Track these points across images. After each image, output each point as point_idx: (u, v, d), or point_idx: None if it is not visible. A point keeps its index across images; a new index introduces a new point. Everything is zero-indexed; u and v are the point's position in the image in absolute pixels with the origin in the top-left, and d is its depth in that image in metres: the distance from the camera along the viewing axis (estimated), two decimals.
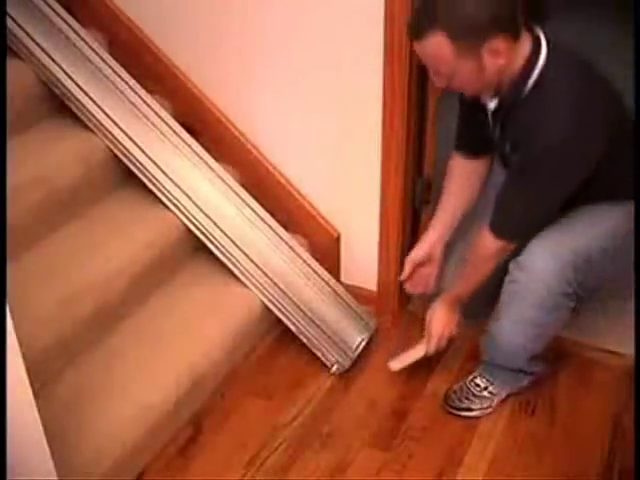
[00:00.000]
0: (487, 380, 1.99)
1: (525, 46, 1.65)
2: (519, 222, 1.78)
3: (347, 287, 2.29)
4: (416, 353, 2.04)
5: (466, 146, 1.98)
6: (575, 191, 1.71)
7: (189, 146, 2.21)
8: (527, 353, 1.92)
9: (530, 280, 1.78)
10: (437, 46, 1.59)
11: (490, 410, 1.99)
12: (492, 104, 1.74)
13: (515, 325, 1.86)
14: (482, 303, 1.99)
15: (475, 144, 1.96)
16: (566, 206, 1.78)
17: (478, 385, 1.99)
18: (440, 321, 1.99)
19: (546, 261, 1.76)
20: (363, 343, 2.19)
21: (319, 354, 2.13)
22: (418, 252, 2.07)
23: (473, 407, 1.98)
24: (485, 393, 1.99)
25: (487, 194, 1.94)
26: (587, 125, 1.64)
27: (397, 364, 2.07)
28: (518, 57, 1.64)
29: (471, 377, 2.02)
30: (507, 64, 1.62)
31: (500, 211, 1.79)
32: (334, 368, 2.12)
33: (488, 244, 1.81)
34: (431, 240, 2.05)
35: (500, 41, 1.57)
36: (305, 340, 2.14)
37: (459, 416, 1.98)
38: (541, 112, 1.64)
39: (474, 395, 1.99)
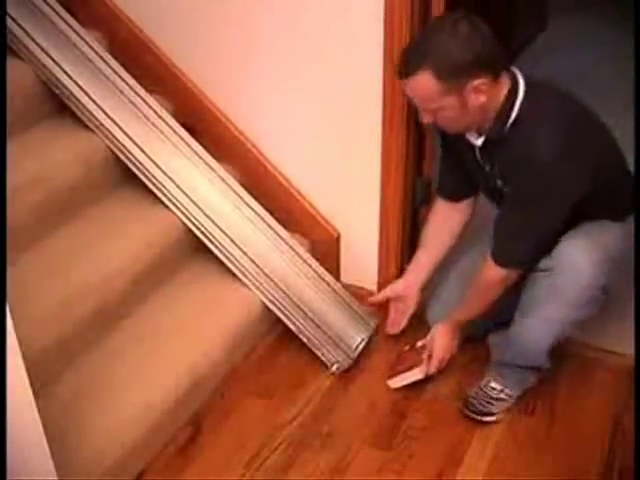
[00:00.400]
0: (502, 383, 1.98)
1: (504, 84, 1.74)
2: (520, 250, 1.84)
3: (347, 287, 2.29)
4: (415, 375, 2.05)
5: (449, 191, 2.08)
6: (576, 212, 1.78)
7: (189, 146, 2.21)
8: (548, 349, 1.91)
9: (570, 273, 1.79)
10: (423, 84, 1.70)
11: (504, 412, 1.98)
12: (479, 141, 1.82)
13: (544, 323, 1.85)
14: (483, 322, 2.03)
15: (457, 188, 2.06)
16: (570, 224, 1.83)
17: (494, 388, 1.97)
18: (442, 345, 2.02)
19: (582, 255, 1.78)
20: (363, 343, 2.19)
21: (319, 354, 2.13)
22: (395, 287, 2.18)
23: (494, 411, 1.97)
24: (503, 395, 1.97)
25: (488, 213, 1.97)
26: (573, 148, 1.70)
27: (396, 382, 2.07)
28: (499, 95, 1.74)
29: (485, 381, 2.00)
30: (489, 102, 1.72)
31: (500, 240, 1.85)
32: (334, 368, 2.12)
33: (492, 273, 1.87)
34: (407, 281, 2.15)
35: (482, 80, 1.68)
36: (305, 340, 2.14)
37: (481, 421, 1.96)
38: (525, 144, 1.72)
39: (493, 399, 1.97)
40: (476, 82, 1.68)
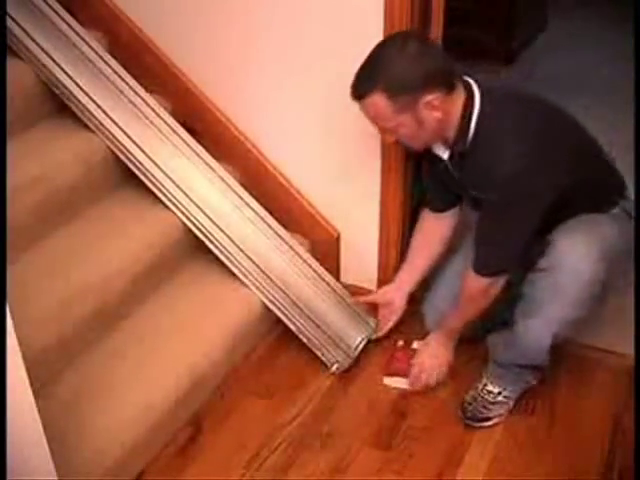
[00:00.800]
0: (499, 385, 1.97)
1: (459, 97, 1.76)
2: (498, 257, 1.86)
3: (347, 287, 2.29)
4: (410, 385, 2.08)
5: (435, 201, 2.10)
6: (560, 209, 1.80)
7: (189, 146, 2.21)
8: (548, 347, 1.90)
9: (571, 271, 1.79)
10: (377, 105, 1.73)
11: (505, 414, 1.98)
12: (445, 155, 1.85)
13: (546, 323, 1.85)
14: (482, 322, 2.04)
15: (443, 199, 2.07)
16: (556, 222, 1.84)
17: (491, 392, 1.97)
18: (432, 359, 2.05)
19: (582, 251, 1.79)
20: (363, 343, 2.19)
21: (319, 354, 2.13)
22: (384, 293, 2.21)
23: (491, 415, 1.96)
24: (500, 398, 1.97)
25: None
26: (539, 152, 1.72)
27: (391, 383, 2.09)
28: (455, 107, 1.75)
29: (482, 385, 1.99)
30: (445, 116, 1.74)
31: (479, 250, 1.87)
32: (334, 368, 2.12)
33: (475, 283, 1.89)
34: (395, 289, 2.18)
35: (434, 95, 1.70)
36: (305, 340, 2.14)
37: (479, 427, 1.95)
38: (490, 152, 1.75)
39: (490, 403, 1.96)
40: (428, 98, 1.70)
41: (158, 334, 2.02)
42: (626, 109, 2.10)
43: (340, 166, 2.21)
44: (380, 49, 1.77)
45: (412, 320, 2.23)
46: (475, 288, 1.89)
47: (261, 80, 2.19)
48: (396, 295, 2.18)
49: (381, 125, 1.80)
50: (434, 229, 2.12)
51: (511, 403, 1.99)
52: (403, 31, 1.80)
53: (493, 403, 1.96)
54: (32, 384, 1.36)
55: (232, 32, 2.16)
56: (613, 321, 2.20)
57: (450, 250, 2.17)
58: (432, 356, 2.06)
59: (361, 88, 1.75)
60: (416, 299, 2.21)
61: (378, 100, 1.71)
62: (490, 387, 1.98)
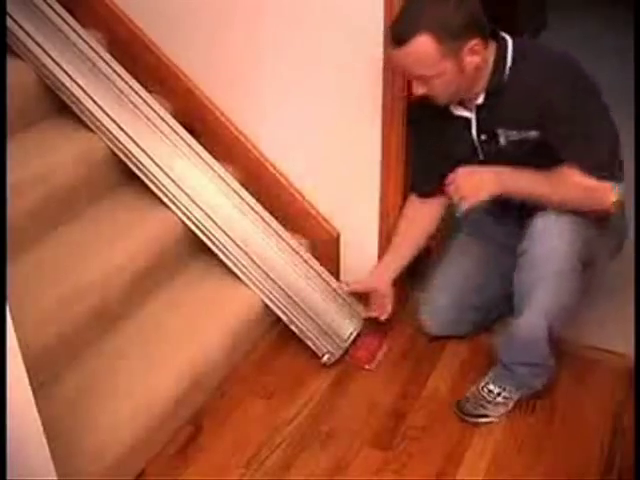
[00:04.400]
0: (500, 386, 1.97)
1: (492, 44, 1.80)
2: (601, 156, 1.80)
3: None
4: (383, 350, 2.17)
5: (421, 183, 2.10)
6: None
7: (189, 146, 2.21)
8: (546, 338, 1.89)
9: (544, 248, 1.80)
10: (423, 49, 1.70)
11: (504, 414, 1.98)
12: (480, 99, 1.84)
13: (537, 312, 1.85)
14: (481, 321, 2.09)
15: (430, 179, 2.05)
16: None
17: (491, 391, 1.97)
18: (473, 182, 1.90)
19: (553, 229, 1.80)
20: (355, 334, 2.20)
21: (320, 354, 2.13)
22: (363, 282, 2.20)
23: (489, 414, 1.96)
24: (499, 399, 1.97)
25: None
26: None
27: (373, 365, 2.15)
28: (490, 52, 1.79)
29: (483, 383, 1.99)
30: (482, 62, 1.76)
31: (578, 157, 1.77)
32: (325, 358, 2.12)
33: (577, 177, 1.78)
34: (374, 277, 2.19)
35: (477, 41, 1.73)
36: (308, 342, 2.14)
37: (475, 424, 1.95)
38: (536, 70, 1.77)
39: (488, 402, 1.96)
40: (472, 43, 1.72)
41: (158, 334, 2.01)
42: (626, 108, 2.10)
43: (340, 166, 2.21)
44: None
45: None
46: (576, 178, 1.78)
47: (261, 80, 2.19)
48: (379, 283, 2.17)
49: (420, 73, 1.76)
50: (420, 216, 2.11)
51: (510, 404, 1.99)
52: None
53: (491, 402, 1.96)
54: (32, 384, 1.36)
55: (232, 32, 2.16)
56: (613, 321, 2.21)
57: (448, 249, 2.18)
58: (473, 178, 1.89)
59: (407, 31, 1.69)
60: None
61: (425, 44, 1.68)
62: (491, 386, 1.98)
